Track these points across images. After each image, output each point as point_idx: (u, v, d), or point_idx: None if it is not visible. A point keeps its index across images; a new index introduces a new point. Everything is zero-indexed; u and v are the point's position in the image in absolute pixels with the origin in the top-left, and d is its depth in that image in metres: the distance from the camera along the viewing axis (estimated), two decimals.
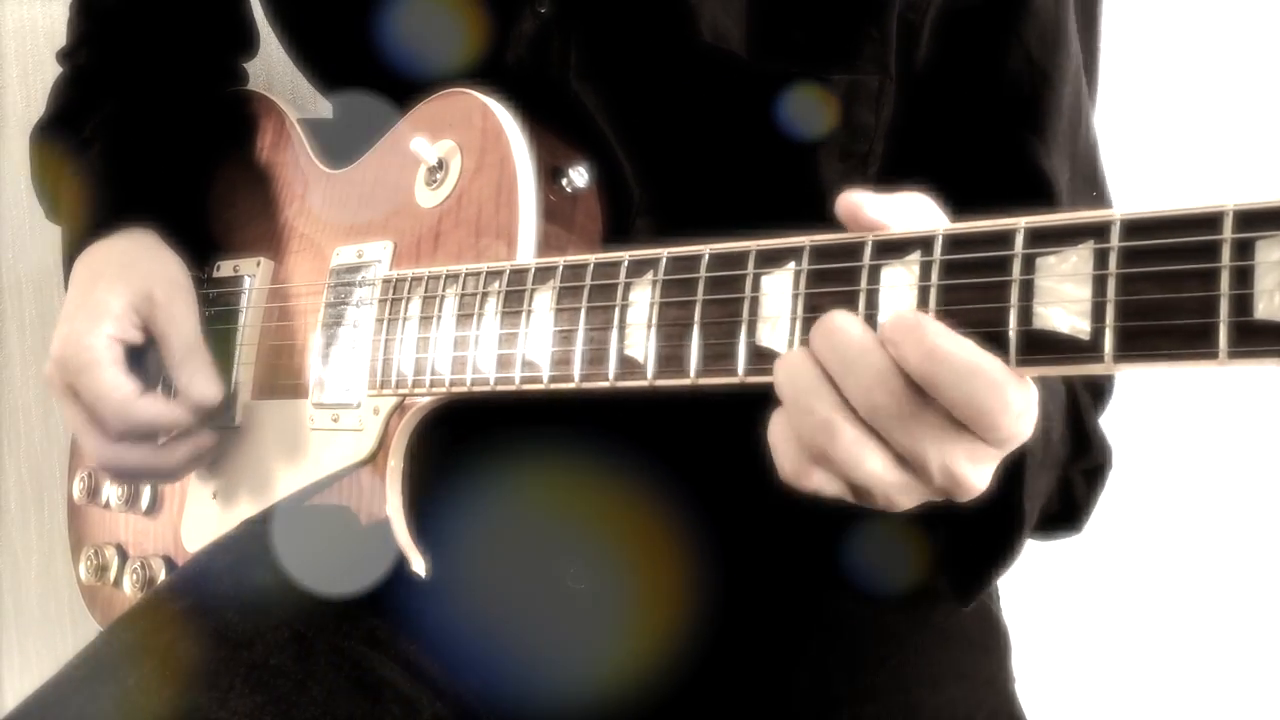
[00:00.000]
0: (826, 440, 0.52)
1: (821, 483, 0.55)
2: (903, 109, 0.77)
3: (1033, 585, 1.15)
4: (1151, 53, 1.14)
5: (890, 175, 0.78)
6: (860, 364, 0.52)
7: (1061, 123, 0.77)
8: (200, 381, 0.85)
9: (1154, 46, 1.14)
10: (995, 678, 0.86)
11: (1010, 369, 0.50)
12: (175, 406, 0.85)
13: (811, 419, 0.53)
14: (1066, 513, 0.75)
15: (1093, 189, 0.82)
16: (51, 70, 1.06)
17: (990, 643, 0.88)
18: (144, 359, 0.87)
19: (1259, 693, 1.19)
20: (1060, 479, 0.72)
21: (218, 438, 0.89)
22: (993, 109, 0.77)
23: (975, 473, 0.53)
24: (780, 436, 0.55)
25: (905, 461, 0.53)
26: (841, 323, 0.53)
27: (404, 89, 0.83)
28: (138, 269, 0.86)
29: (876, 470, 0.53)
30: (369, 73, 0.89)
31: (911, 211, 0.56)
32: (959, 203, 0.57)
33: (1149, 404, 1.13)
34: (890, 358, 0.51)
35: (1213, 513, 1.19)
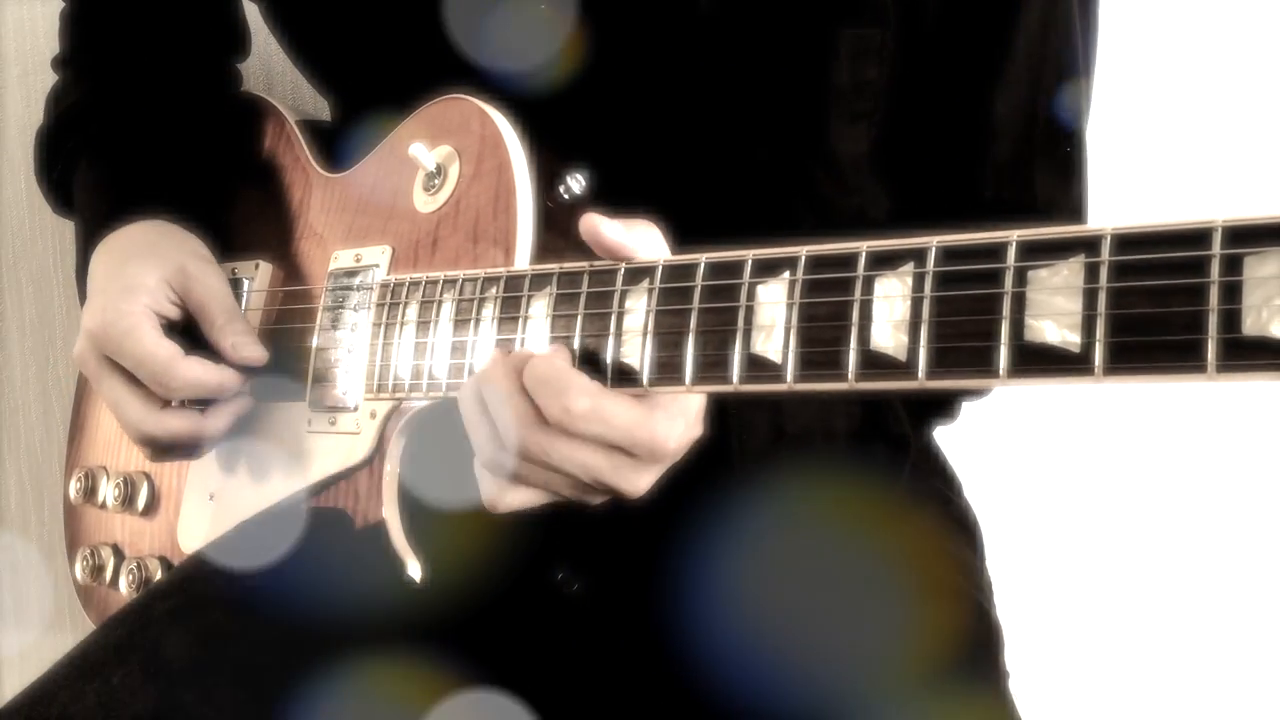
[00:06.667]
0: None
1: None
2: (903, 67, 0.79)
3: (1027, 582, 1.15)
4: (1150, 57, 1.15)
5: (888, 136, 0.81)
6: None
7: (1018, 70, 0.81)
8: (247, 343, 0.85)
9: (1153, 51, 1.15)
10: (989, 674, 0.86)
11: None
12: (223, 369, 0.84)
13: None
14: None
15: (1062, 144, 0.85)
16: (52, 70, 1.07)
17: (984, 639, 0.88)
18: (174, 336, 0.86)
19: (1254, 691, 1.19)
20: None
21: (253, 403, 0.88)
22: (957, 57, 0.81)
23: None
24: None
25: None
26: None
27: (405, 89, 0.83)
28: (166, 246, 0.87)
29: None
30: (370, 73, 0.90)
31: (643, 240, 0.63)
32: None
33: (1143, 406, 1.14)
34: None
35: (1206, 511, 1.19)
